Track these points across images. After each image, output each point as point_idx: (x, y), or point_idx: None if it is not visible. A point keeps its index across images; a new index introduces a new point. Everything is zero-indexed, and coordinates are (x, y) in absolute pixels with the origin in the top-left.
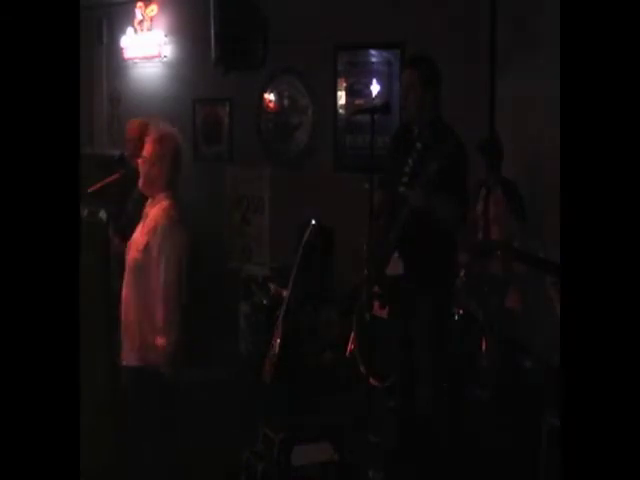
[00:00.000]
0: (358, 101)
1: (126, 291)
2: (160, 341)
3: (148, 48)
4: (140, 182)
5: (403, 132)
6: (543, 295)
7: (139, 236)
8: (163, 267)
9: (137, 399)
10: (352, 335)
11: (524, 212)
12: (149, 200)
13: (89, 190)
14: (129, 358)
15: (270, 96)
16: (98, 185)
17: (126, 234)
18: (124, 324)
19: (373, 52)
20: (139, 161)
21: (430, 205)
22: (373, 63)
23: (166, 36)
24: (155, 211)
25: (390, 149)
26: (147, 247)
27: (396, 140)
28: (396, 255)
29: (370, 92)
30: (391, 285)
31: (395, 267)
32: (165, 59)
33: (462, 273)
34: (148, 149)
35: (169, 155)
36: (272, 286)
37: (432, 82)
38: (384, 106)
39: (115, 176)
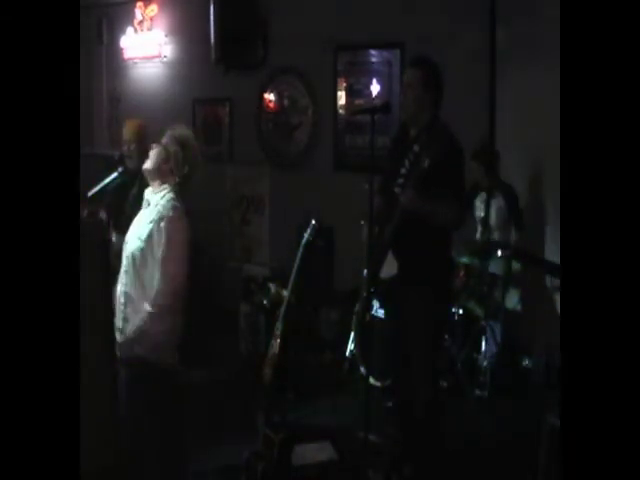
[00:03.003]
0: (358, 101)
1: (126, 280)
2: (164, 331)
3: (148, 48)
4: (148, 170)
5: (401, 134)
6: (543, 295)
7: (143, 224)
8: (166, 256)
9: (137, 397)
10: (352, 335)
11: (522, 221)
12: (150, 188)
13: (89, 195)
14: (130, 352)
15: (270, 96)
16: (97, 187)
17: (126, 233)
18: (124, 318)
19: (373, 52)
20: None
21: (422, 206)
22: (373, 63)
23: (166, 36)
24: (158, 200)
25: (389, 151)
26: (150, 235)
27: (395, 142)
28: (390, 256)
29: (370, 92)
30: (387, 286)
31: (390, 268)
32: (165, 59)
33: (462, 273)
34: (169, 148)
35: (187, 158)
36: (272, 286)
37: (432, 84)
38: (384, 106)
39: (114, 175)
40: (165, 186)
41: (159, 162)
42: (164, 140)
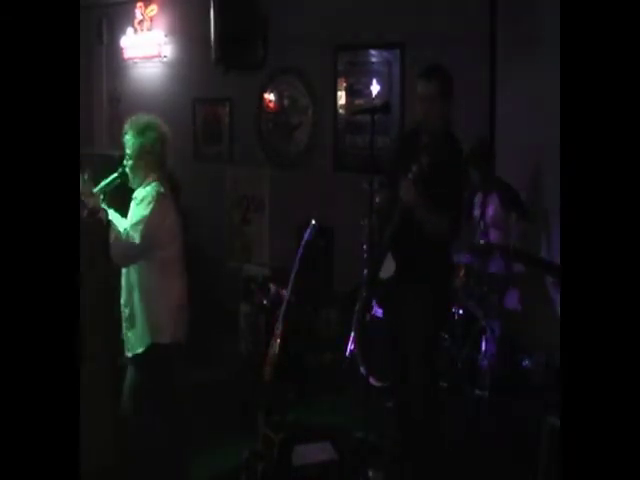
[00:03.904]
0: (358, 101)
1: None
2: (169, 318)
3: (148, 48)
4: (130, 178)
5: (411, 138)
6: (543, 295)
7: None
8: (162, 241)
9: (142, 388)
10: (352, 335)
11: (524, 208)
12: (138, 188)
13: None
14: (137, 344)
15: (270, 96)
16: (98, 187)
17: None
18: (130, 311)
19: (373, 52)
20: (126, 162)
21: (421, 205)
22: (373, 63)
23: (166, 36)
24: (144, 193)
25: (395, 152)
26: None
27: (402, 144)
28: (389, 256)
29: (370, 92)
30: (386, 286)
31: (389, 268)
32: (165, 59)
33: (462, 273)
34: (133, 144)
35: (157, 144)
36: (272, 286)
37: (448, 92)
38: (384, 106)
39: (114, 176)
40: (149, 179)
41: (139, 155)
42: (133, 133)
